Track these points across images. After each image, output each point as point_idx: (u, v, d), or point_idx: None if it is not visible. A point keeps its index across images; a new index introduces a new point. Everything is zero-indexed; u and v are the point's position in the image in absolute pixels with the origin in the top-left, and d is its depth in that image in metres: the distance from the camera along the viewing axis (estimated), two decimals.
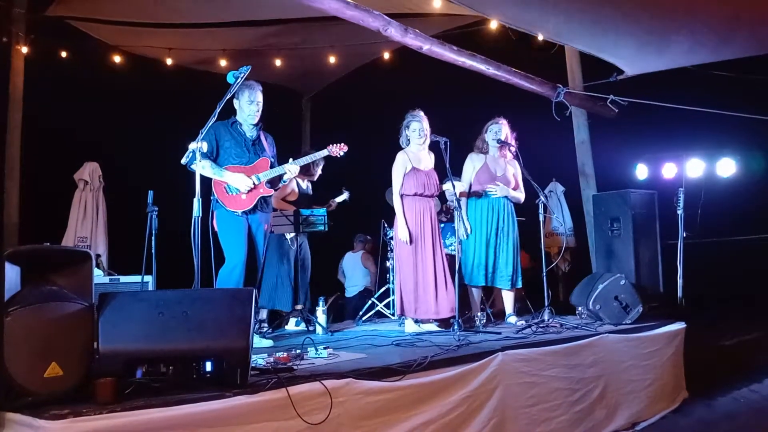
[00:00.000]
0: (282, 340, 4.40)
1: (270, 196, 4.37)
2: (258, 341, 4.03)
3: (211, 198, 4.10)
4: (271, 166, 4.30)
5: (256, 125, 4.33)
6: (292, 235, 5.29)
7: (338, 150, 4.61)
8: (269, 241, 4.57)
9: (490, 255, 5.15)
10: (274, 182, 4.36)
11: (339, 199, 6.08)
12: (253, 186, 4.17)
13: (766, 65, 5.93)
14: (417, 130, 4.87)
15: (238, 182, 4.13)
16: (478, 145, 5.39)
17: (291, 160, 4.42)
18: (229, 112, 4.29)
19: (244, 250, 4.11)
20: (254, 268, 4.21)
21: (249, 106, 4.25)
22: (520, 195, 5.33)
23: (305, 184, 5.68)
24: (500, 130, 5.27)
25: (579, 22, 5.23)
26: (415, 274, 4.77)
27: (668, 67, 5.90)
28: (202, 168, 3.91)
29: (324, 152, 4.61)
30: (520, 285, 5.25)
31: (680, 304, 5.54)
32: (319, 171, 5.68)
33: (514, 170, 5.35)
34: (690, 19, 4.88)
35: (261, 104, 4.29)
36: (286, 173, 4.35)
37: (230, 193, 4.15)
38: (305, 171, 5.22)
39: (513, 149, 5.28)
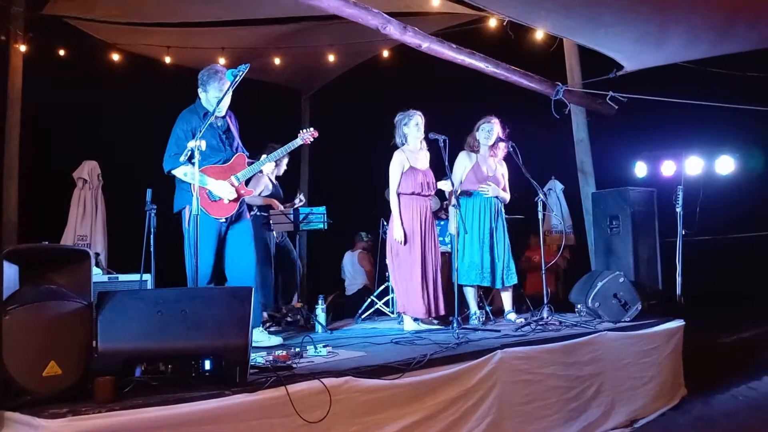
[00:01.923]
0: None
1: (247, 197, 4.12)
2: (267, 339, 4.00)
3: (188, 198, 3.78)
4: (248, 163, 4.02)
5: (223, 117, 3.97)
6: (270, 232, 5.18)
7: (310, 136, 4.26)
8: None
9: (485, 254, 5.12)
10: (248, 181, 4.13)
11: (296, 204, 5.76)
12: (236, 193, 3.90)
13: (765, 61, 5.93)
14: (417, 124, 4.85)
15: (222, 191, 3.86)
16: (469, 143, 5.35)
17: (264, 156, 4.11)
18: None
19: (213, 255, 3.87)
20: (222, 270, 4.00)
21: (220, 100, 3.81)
22: (507, 195, 5.34)
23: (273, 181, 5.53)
24: (492, 129, 5.26)
25: (579, 14, 5.21)
26: (411, 272, 4.76)
27: (667, 61, 5.90)
28: (184, 175, 3.78)
29: (298, 141, 4.20)
30: (515, 281, 5.23)
31: (679, 302, 5.54)
32: (284, 163, 5.51)
33: (503, 170, 5.35)
34: (689, 10, 4.86)
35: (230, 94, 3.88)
36: (263, 170, 4.12)
37: (213, 200, 3.87)
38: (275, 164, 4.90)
39: (506, 148, 5.27)
